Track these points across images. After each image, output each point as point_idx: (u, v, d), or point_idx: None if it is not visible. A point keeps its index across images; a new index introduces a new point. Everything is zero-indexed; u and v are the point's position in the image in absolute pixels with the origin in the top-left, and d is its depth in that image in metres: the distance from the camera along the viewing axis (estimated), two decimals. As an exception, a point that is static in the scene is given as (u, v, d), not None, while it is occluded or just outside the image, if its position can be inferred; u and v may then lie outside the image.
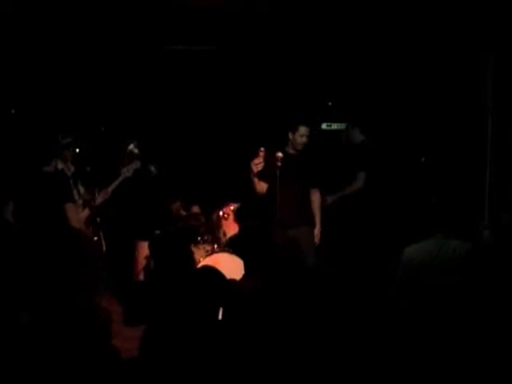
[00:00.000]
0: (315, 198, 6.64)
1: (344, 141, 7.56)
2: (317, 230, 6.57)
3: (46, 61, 7.66)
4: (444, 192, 6.71)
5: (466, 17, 6.87)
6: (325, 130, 8.03)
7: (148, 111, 8.11)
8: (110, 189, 6.67)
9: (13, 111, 7.95)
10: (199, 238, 6.90)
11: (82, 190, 6.77)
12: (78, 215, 6.20)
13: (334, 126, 7.99)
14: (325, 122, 8.07)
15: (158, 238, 5.85)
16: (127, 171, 6.68)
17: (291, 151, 6.52)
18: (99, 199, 6.68)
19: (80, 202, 6.60)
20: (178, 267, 4.50)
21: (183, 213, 7.28)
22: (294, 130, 6.46)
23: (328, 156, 7.50)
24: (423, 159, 7.75)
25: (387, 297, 4.79)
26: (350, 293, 5.24)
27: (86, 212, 6.51)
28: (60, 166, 6.59)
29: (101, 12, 7.16)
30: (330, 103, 8.23)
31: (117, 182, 6.69)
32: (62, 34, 7.43)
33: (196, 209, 7.34)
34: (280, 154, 6.23)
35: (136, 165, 6.72)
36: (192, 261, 4.97)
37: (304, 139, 6.45)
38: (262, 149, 6.24)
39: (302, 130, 6.45)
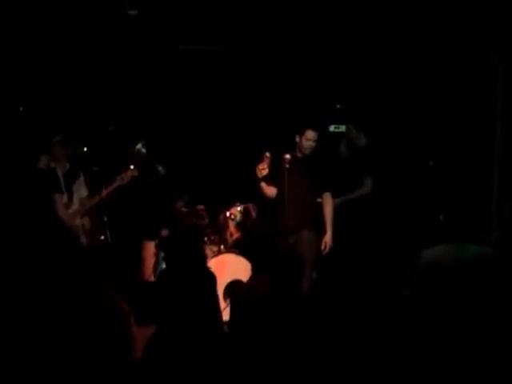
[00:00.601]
0: (327, 201, 6.48)
1: (344, 141, 7.50)
2: (328, 236, 6.35)
3: (56, 60, 7.67)
4: (457, 196, 6.70)
5: (475, 20, 6.86)
6: (333, 133, 7.99)
7: (156, 111, 8.10)
8: (102, 194, 6.58)
9: (21, 109, 7.95)
10: (206, 239, 6.92)
11: (83, 191, 6.76)
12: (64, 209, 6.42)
13: (342, 129, 7.95)
14: (333, 124, 8.03)
15: (168, 238, 5.84)
16: (121, 179, 6.59)
17: (299, 155, 6.45)
18: (87, 204, 6.67)
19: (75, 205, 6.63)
20: (191, 267, 4.49)
21: (184, 209, 7.25)
22: (301, 134, 6.38)
23: (335, 158, 7.49)
24: (431, 163, 7.72)
25: (401, 300, 4.78)
26: (358, 296, 5.25)
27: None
28: (52, 164, 6.61)
29: (111, 11, 7.18)
30: (338, 105, 8.21)
31: (110, 189, 6.60)
32: (70, 34, 7.45)
33: (201, 208, 7.33)
34: (288, 156, 6.20)
35: (133, 172, 6.61)
36: (205, 260, 4.96)
37: (311, 143, 6.36)
38: (268, 154, 6.19)
39: (310, 134, 6.36)
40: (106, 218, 6.54)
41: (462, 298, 4.40)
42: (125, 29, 7.42)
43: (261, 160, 6.20)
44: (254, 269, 6.20)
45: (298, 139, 6.40)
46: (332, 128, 8.00)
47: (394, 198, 7.28)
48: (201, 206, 7.35)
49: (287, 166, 6.19)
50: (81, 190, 6.72)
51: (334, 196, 6.83)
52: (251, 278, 5.87)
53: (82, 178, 6.76)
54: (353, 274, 6.78)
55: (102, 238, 6.47)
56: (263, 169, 6.17)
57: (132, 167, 6.61)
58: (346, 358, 4.18)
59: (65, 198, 6.62)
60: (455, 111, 7.48)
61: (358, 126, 7.47)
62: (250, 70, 8.09)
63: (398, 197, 7.32)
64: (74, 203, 6.66)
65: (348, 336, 4.18)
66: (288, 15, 7.28)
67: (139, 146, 6.94)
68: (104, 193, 6.59)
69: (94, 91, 7.93)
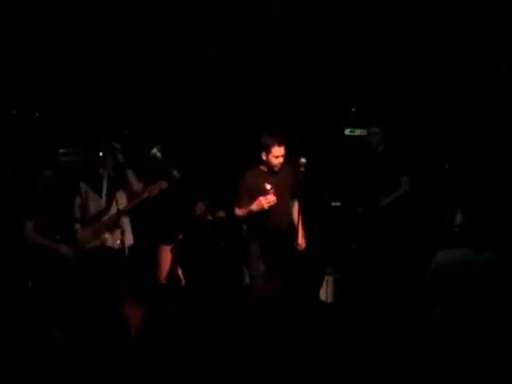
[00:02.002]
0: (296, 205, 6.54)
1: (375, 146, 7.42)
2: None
3: (71, 66, 7.72)
4: (473, 201, 6.66)
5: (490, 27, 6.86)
6: (348, 136, 7.97)
7: (171, 115, 8.11)
8: (128, 207, 6.54)
9: (37, 114, 7.99)
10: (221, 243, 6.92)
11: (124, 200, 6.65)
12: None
13: (357, 132, 7.93)
14: (348, 127, 8.00)
15: (185, 243, 5.86)
16: (150, 191, 6.52)
17: (265, 169, 6.32)
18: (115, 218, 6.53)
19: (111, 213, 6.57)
20: (205, 272, 4.51)
21: (210, 218, 7.27)
22: (267, 151, 6.17)
23: (352, 162, 7.48)
24: (446, 166, 7.68)
25: (417, 302, 4.77)
26: (376, 301, 5.24)
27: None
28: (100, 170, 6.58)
29: (120, 15, 7.22)
30: (353, 109, 8.18)
31: (137, 201, 6.53)
32: (85, 39, 7.49)
33: (221, 214, 7.32)
34: (303, 160, 6.19)
35: (162, 185, 6.56)
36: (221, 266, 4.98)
37: (280, 159, 6.19)
38: (269, 186, 6.16)
39: (277, 150, 6.15)
40: (122, 223, 6.52)
41: (471, 302, 4.39)
42: (145, 32, 7.47)
43: (265, 193, 6.16)
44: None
45: (264, 157, 6.22)
46: (347, 131, 7.98)
47: (413, 201, 7.24)
48: (221, 212, 7.35)
49: (302, 169, 6.19)
50: (122, 199, 6.58)
51: (361, 199, 6.82)
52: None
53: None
54: (371, 275, 6.78)
55: (118, 242, 6.46)
56: (273, 200, 6.15)
57: (162, 182, 6.56)
58: (358, 363, 4.16)
59: (102, 203, 6.57)
60: (472, 114, 7.44)
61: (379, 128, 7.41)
62: (262, 72, 8.09)
63: (415, 199, 7.28)
64: (112, 211, 6.53)
65: (363, 342, 4.16)
66: (307, 17, 7.27)
67: (155, 150, 6.91)
68: (131, 205, 6.56)
69: (109, 95, 7.96)
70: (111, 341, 3.49)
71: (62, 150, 7.28)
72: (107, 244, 6.49)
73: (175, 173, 6.77)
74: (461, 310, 4.45)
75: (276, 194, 6.16)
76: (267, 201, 6.11)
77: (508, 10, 6.84)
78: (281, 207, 6.27)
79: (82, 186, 6.53)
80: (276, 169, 6.24)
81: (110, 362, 3.47)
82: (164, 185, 6.58)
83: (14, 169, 6.76)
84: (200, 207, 7.23)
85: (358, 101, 8.15)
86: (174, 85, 8.08)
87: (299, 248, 6.27)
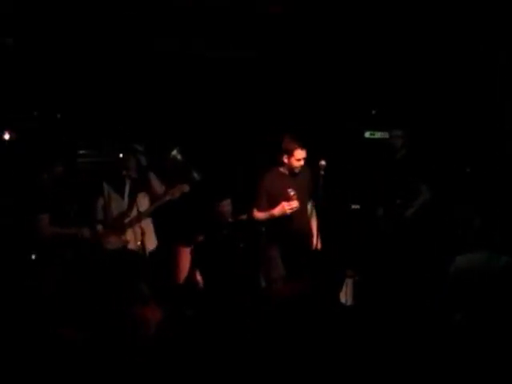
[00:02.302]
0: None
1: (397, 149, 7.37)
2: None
3: (92, 68, 7.77)
4: (493, 204, 6.63)
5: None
6: (368, 139, 7.94)
7: (191, 117, 8.13)
8: (150, 210, 6.59)
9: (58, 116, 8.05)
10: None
11: (146, 203, 6.65)
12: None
13: (378, 135, 7.89)
14: (368, 130, 7.97)
15: (205, 245, 5.87)
16: (172, 194, 6.56)
17: (285, 172, 6.36)
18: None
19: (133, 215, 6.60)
20: (224, 275, 4.52)
21: (230, 219, 7.26)
22: (290, 155, 6.21)
23: (372, 165, 7.45)
24: (468, 170, 7.63)
25: (436, 307, 4.76)
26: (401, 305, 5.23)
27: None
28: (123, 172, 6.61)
29: (143, 19, 7.25)
30: (373, 111, 8.15)
31: (159, 203, 6.59)
32: (92, 38, 7.54)
33: (242, 216, 7.31)
34: (323, 163, 6.20)
35: (184, 188, 6.60)
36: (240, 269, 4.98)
37: (301, 162, 6.23)
38: (292, 192, 6.19)
39: (299, 153, 6.19)
40: (142, 225, 6.55)
41: (489, 306, 4.37)
42: (168, 37, 7.50)
43: (288, 198, 6.19)
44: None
45: (285, 159, 6.25)
46: (367, 134, 7.95)
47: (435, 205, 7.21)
48: (244, 216, 7.35)
49: (322, 172, 6.19)
50: (144, 201, 6.62)
51: (379, 203, 6.80)
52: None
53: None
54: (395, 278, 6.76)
55: (139, 243, 6.49)
56: (295, 207, 6.17)
57: (184, 185, 6.60)
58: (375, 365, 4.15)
59: (124, 205, 6.60)
60: (494, 118, 7.40)
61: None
62: (282, 76, 8.08)
63: (438, 203, 7.24)
64: (134, 212, 6.55)
65: (380, 345, 4.15)
66: (326, 21, 7.27)
67: (174, 152, 6.93)
68: (152, 207, 6.61)
69: (128, 99, 8.00)
70: (131, 342, 3.50)
71: (82, 152, 7.34)
72: (128, 245, 6.52)
73: (195, 174, 6.78)
74: (479, 314, 4.43)
75: (297, 197, 6.19)
76: (290, 206, 6.14)
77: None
78: (301, 210, 6.29)
79: (105, 187, 6.57)
80: (297, 171, 6.27)
81: (129, 364, 3.48)
82: (186, 188, 6.62)
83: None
84: (226, 204, 7.23)
85: (379, 103, 8.12)
86: (196, 87, 8.10)
87: (314, 248, 6.30)
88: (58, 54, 7.64)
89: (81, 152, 7.59)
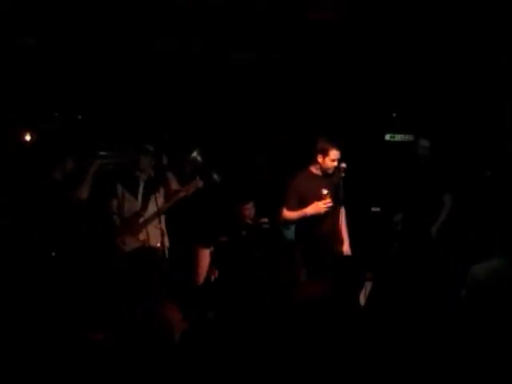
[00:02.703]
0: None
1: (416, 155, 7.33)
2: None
3: (113, 70, 7.81)
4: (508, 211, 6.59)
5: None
6: (388, 142, 7.91)
7: (212, 119, 8.14)
8: (164, 207, 6.58)
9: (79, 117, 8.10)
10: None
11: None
12: None
13: (398, 138, 7.87)
14: (388, 132, 7.95)
15: (225, 246, 5.87)
16: (186, 190, 6.57)
17: (318, 173, 6.36)
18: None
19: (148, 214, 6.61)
20: (243, 277, 4.52)
21: (251, 222, 7.28)
22: (325, 154, 6.22)
23: (393, 168, 7.42)
24: (488, 173, 7.59)
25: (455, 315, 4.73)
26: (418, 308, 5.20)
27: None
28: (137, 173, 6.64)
29: (167, 22, 7.27)
30: (394, 114, 8.13)
31: (174, 200, 6.58)
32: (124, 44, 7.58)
33: (263, 219, 7.32)
34: (343, 165, 6.19)
35: (198, 184, 6.59)
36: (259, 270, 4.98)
37: (336, 163, 6.23)
38: (325, 191, 6.19)
39: (334, 154, 6.21)
40: (161, 225, 6.56)
41: (505, 314, 4.34)
42: (189, 38, 7.51)
43: (321, 198, 6.18)
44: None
45: (320, 159, 6.27)
46: (387, 137, 7.93)
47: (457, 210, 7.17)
48: (264, 219, 7.36)
49: (343, 174, 6.18)
50: (160, 201, 6.58)
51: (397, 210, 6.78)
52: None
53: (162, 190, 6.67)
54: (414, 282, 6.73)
55: (158, 245, 6.50)
56: (330, 206, 6.17)
57: (197, 178, 6.59)
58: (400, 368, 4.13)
59: (137, 206, 6.61)
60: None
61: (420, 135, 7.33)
62: (303, 78, 8.09)
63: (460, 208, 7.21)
64: (148, 213, 6.58)
65: (405, 349, 4.13)
66: (349, 24, 7.27)
67: (195, 153, 6.94)
68: (167, 205, 6.60)
69: (150, 99, 8.03)
70: (154, 343, 3.51)
71: (101, 153, 7.36)
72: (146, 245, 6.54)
73: (215, 176, 6.79)
74: (498, 322, 4.40)
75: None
76: (325, 204, 6.13)
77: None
78: (332, 213, 6.28)
79: (119, 188, 6.59)
80: (330, 172, 6.28)
81: (152, 364, 3.49)
82: (200, 184, 6.61)
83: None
84: (249, 207, 7.25)
85: (400, 106, 8.10)
86: (215, 89, 8.12)
87: (344, 254, 6.31)
88: (73, 56, 7.69)
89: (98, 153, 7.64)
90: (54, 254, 6.22)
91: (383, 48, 7.70)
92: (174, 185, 6.64)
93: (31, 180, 6.38)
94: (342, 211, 6.50)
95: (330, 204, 6.15)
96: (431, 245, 6.88)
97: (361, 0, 7.24)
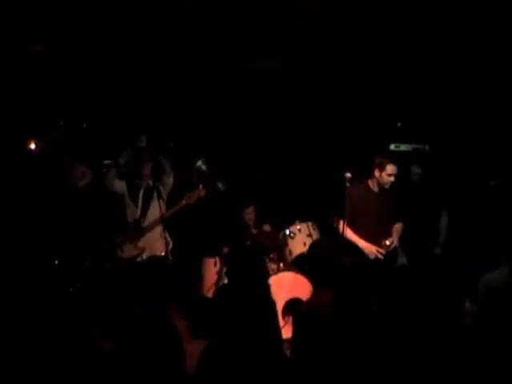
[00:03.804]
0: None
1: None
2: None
3: (117, 78, 7.82)
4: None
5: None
6: (393, 151, 7.91)
7: (212, 120, 8.14)
8: (166, 215, 6.57)
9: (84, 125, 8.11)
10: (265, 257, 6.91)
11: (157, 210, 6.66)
12: None
13: (403, 148, 7.87)
14: (393, 142, 7.95)
15: (234, 254, 5.85)
16: (189, 198, 6.58)
17: (375, 189, 6.37)
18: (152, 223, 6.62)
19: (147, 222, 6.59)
20: (253, 285, 4.50)
21: (254, 231, 7.29)
22: (381, 169, 6.23)
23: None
24: (493, 183, 7.58)
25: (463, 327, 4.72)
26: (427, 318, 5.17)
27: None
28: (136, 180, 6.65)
29: (167, 22, 7.28)
30: (399, 124, 8.13)
31: (176, 208, 6.59)
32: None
33: (267, 227, 7.33)
34: (348, 175, 6.17)
35: (201, 192, 6.59)
36: (266, 279, 4.96)
37: (392, 178, 6.22)
38: (388, 243, 6.18)
39: (391, 168, 6.20)
40: (166, 235, 6.56)
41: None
42: (196, 46, 7.54)
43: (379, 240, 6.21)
44: (316, 286, 6.20)
45: (377, 173, 6.28)
46: (392, 147, 7.93)
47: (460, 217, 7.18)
48: (267, 226, 7.36)
49: (348, 184, 6.16)
50: (156, 209, 6.61)
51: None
52: (313, 295, 5.84)
53: (163, 197, 6.68)
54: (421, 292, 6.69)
55: (163, 254, 6.50)
56: (381, 257, 6.17)
57: (200, 187, 6.60)
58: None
59: (137, 212, 6.63)
60: (469, 113, 7.39)
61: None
62: (310, 87, 8.10)
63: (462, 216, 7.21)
64: (147, 220, 6.63)
65: (415, 360, 4.11)
66: (355, 33, 7.28)
67: (199, 162, 6.96)
68: (170, 212, 6.61)
69: (155, 108, 8.04)
70: (160, 349, 3.49)
71: (106, 162, 7.37)
72: (146, 254, 6.55)
73: (220, 185, 6.80)
74: (506, 330, 4.39)
75: (380, 216, 6.27)
76: (377, 255, 6.17)
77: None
78: (383, 231, 6.29)
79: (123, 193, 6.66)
80: (386, 187, 6.28)
81: (159, 372, 3.47)
82: (202, 192, 6.62)
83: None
84: (250, 212, 7.25)
85: (405, 116, 8.11)
86: (222, 98, 8.13)
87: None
88: (74, 60, 7.71)
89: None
90: (56, 262, 6.23)
91: (383, 48, 7.70)
92: (168, 169, 6.68)
93: (31, 180, 6.43)
94: (399, 226, 6.47)
95: (382, 257, 6.16)
96: (436, 261, 6.91)
97: (355, 5, 7.21)
